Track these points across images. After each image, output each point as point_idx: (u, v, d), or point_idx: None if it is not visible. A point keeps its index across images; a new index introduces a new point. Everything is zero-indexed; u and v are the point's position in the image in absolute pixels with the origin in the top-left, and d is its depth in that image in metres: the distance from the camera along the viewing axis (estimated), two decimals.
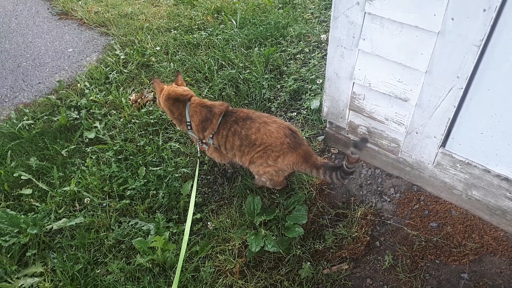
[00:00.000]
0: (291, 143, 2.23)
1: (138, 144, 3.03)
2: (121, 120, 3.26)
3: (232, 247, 2.34)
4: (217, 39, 4.00)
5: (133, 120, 3.25)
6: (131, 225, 2.50)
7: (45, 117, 3.36)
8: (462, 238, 2.28)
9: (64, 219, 2.53)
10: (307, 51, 3.70)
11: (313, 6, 4.36)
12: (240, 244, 2.35)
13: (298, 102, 3.24)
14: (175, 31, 4.27)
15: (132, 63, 3.87)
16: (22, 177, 2.80)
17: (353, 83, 2.27)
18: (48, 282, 2.24)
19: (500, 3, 1.52)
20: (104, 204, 2.64)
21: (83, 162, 2.94)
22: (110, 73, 3.77)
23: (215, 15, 4.47)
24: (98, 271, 2.29)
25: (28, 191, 2.72)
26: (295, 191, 2.57)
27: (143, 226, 2.46)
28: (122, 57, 3.94)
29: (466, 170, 2.19)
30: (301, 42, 3.81)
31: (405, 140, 2.32)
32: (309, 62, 3.55)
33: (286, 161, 2.26)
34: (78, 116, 3.31)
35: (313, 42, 3.79)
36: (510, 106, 1.78)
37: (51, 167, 2.90)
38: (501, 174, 2.05)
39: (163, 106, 2.52)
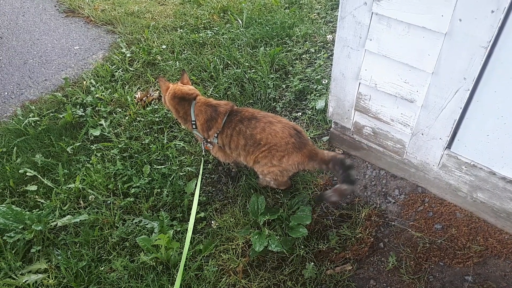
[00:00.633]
0: (296, 143, 2.22)
1: (143, 142, 3.03)
2: (127, 118, 3.27)
3: (236, 247, 2.34)
4: (223, 38, 4.00)
5: (138, 118, 3.26)
6: (135, 223, 2.51)
7: (51, 114, 3.38)
8: (467, 240, 2.26)
9: (68, 216, 2.54)
10: (313, 51, 3.69)
11: (319, 7, 4.35)
12: (243, 243, 2.35)
13: (303, 102, 3.23)
14: (181, 30, 4.28)
15: (138, 61, 3.88)
16: (27, 174, 2.81)
17: (359, 83, 2.26)
18: (52, 278, 2.26)
19: (509, 4, 1.51)
20: (109, 202, 2.65)
21: (88, 159, 2.95)
22: (116, 71, 3.79)
23: (221, 14, 4.48)
24: (102, 268, 2.30)
25: (33, 188, 2.73)
26: (299, 191, 2.57)
27: (147, 224, 2.47)
28: (128, 55, 3.95)
29: (472, 172, 2.17)
30: (307, 42, 3.81)
31: (410, 142, 2.31)
32: (315, 62, 3.55)
33: (291, 161, 2.26)
34: (83, 114, 3.32)
35: (319, 42, 3.79)
36: None
37: (56, 164, 2.91)
38: (507, 176, 2.04)
39: (169, 105, 2.52)
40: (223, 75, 3.52)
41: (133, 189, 2.69)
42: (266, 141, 2.24)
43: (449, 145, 2.17)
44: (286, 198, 2.54)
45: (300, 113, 3.14)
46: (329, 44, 3.74)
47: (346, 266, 2.23)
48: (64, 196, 2.68)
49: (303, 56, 3.66)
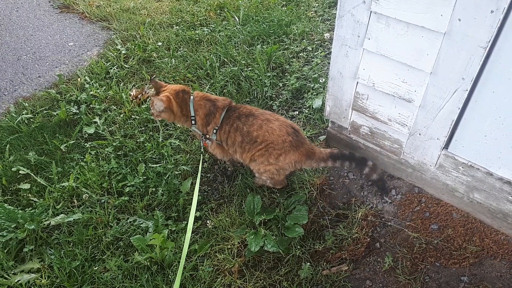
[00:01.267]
0: (293, 141, 2.21)
1: (138, 140, 3.00)
2: (121, 115, 3.23)
3: (231, 246, 2.32)
4: (219, 35, 3.97)
5: (133, 116, 3.22)
6: (130, 222, 2.48)
7: (45, 111, 3.33)
8: (463, 241, 2.26)
9: (62, 215, 2.50)
10: (310, 49, 3.67)
11: (317, 4, 4.33)
12: (239, 243, 2.33)
13: (300, 101, 3.21)
14: (177, 27, 4.25)
15: (133, 58, 3.84)
16: (20, 172, 2.77)
17: (357, 82, 2.25)
18: (45, 278, 2.23)
19: (508, 4, 1.50)
20: (103, 201, 2.62)
21: (82, 157, 2.92)
22: (111, 68, 3.75)
23: (218, 11, 4.44)
24: (96, 268, 2.27)
25: (26, 186, 2.69)
26: (295, 191, 2.55)
27: (141, 223, 2.44)
28: (123, 52, 3.91)
29: (469, 173, 2.17)
30: (304, 40, 3.78)
31: (407, 141, 2.29)
32: (312, 61, 3.53)
33: (287, 160, 2.24)
34: (77, 111, 3.28)
35: (316, 41, 3.77)
36: None
37: (49, 162, 2.87)
38: (504, 177, 2.03)
39: (174, 105, 2.37)
40: (219, 73, 3.49)
41: (127, 188, 2.66)
42: (263, 138, 2.23)
43: (446, 146, 2.16)
44: (283, 198, 2.52)
45: (297, 112, 3.12)
46: (327, 42, 3.73)
47: (342, 266, 2.22)
48: (58, 195, 2.64)
49: (300, 54, 3.64)
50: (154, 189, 2.65)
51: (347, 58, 2.19)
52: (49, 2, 4.98)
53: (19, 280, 2.18)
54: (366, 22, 1.96)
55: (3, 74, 3.86)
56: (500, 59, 1.67)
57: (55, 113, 3.26)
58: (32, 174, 2.77)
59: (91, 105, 3.34)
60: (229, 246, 2.32)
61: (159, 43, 4.00)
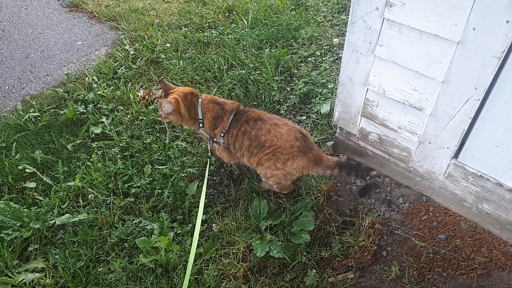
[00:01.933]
0: (302, 146, 2.19)
1: (145, 141, 3.00)
2: (128, 116, 3.23)
3: (237, 251, 2.30)
4: (228, 38, 3.97)
5: (140, 117, 3.22)
6: (135, 223, 2.47)
7: (52, 110, 3.34)
8: (471, 251, 2.23)
9: (67, 214, 2.50)
10: (319, 54, 3.66)
11: (326, 9, 4.32)
12: (244, 248, 2.31)
13: (308, 105, 3.20)
14: (186, 29, 4.25)
15: (141, 59, 3.84)
16: (26, 170, 2.77)
17: (367, 89, 2.23)
18: (49, 278, 2.22)
19: None
20: (108, 201, 2.61)
21: (89, 157, 2.91)
22: (119, 68, 3.75)
23: (227, 14, 4.44)
24: (100, 269, 2.26)
25: (32, 185, 2.69)
26: (302, 197, 2.54)
27: (147, 225, 2.43)
28: (131, 52, 3.91)
29: (478, 183, 2.15)
30: (312, 45, 3.77)
31: (417, 150, 2.28)
32: (320, 66, 3.51)
33: (295, 165, 2.23)
34: (85, 111, 3.28)
35: (325, 46, 3.75)
36: None
37: (56, 161, 2.87)
38: None
39: (183, 108, 2.35)
40: (227, 76, 3.49)
41: (133, 189, 2.65)
42: (271, 143, 2.21)
43: (456, 155, 2.14)
44: (289, 203, 2.51)
45: (305, 117, 3.11)
46: (335, 48, 3.71)
47: (348, 274, 2.20)
48: (63, 194, 2.64)
49: (309, 59, 3.62)
50: (160, 191, 2.64)
51: (358, 64, 2.18)
52: (58, 0, 5.00)
53: (23, 279, 2.18)
54: (378, 29, 1.95)
55: (11, 71, 3.87)
56: None
57: (62, 112, 3.26)
58: (38, 173, 2.76)
59: (98, 105, 3.34)
60: (234, 251, 2.31)
61: (168, 45, 4.00)
